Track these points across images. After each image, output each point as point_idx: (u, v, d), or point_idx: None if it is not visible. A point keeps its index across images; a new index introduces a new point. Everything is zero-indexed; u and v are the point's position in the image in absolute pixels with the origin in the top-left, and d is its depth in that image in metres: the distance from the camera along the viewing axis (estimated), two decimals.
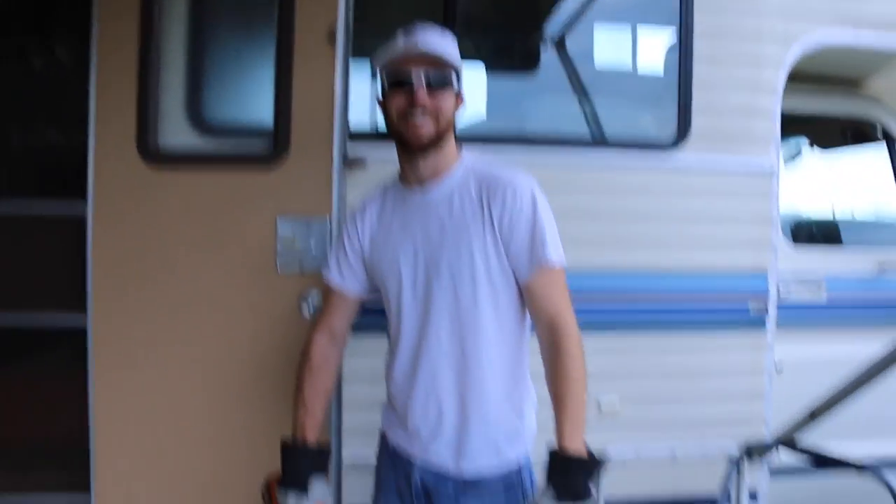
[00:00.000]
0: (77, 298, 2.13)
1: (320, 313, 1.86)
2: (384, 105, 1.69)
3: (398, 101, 1.65)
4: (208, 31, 2.28)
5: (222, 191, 2.14)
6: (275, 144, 2.14)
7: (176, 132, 2.20)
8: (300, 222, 2.12)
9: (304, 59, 2.13)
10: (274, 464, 1.70)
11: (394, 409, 1.78)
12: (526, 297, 1.66)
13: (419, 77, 1.63)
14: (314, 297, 2.10)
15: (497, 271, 1.65)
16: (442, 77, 1.65)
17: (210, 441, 2.13)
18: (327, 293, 1.85)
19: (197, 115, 2.25)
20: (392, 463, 1.78)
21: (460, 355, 1.66)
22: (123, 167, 2.12)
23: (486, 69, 2.92)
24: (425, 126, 1.64)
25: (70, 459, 2.17)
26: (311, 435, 1.72)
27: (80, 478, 2.14)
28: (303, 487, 1.66)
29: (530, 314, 1.68)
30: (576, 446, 1.49)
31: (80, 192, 2.12)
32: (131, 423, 2.12)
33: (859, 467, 1.73)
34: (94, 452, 2.12)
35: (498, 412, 1.68)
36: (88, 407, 2.12)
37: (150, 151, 2.13)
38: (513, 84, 2.93)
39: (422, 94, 1.63)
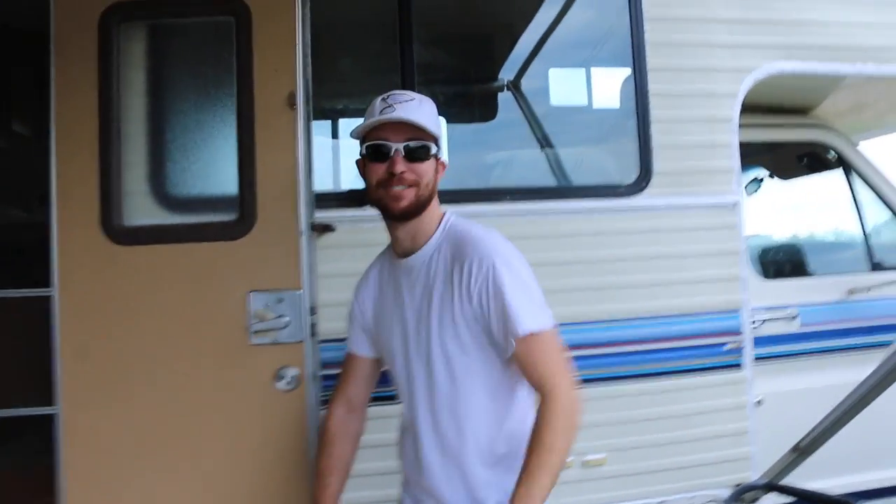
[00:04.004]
0: (44, 384, 2.06)
1: (338, 384, 1.87)
2: (364, 172, 1.68)
3: (377, 171, 1.64)
4: (168, 104, 2.27)
5: (191, 263, 2.10)
6: (241, 213, 2.12)
7: (140, 209, 2.17)
8: (272, 293, 2.09)
9: (265, 126, 2.12)
10: None
11: (406, 473, 1.79)
12: (515, 364, 1.63)
13: (398, 148, 1.61)
14: (289, 370, 2.07)
15: (480, 338, 1.63)
16: (421, 147, 1.64)
17: None
18: (344, 362, 1.87)
19: (161, 190, 2.23)
20: None
21: (446, 427, 1.66)
22: (88, 245, 2.08)
23: (447, 123, 2.94)
24: (405, 196, 1.63)
25: None
26: None
27: None
28: None
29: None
30: None
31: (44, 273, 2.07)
32: None
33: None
34: None
35: (493, 476, 1.65)
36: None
37: (115, 229, 2.10)
38: (473, 135, 2.96)
39: (400, 165, 1.61)
